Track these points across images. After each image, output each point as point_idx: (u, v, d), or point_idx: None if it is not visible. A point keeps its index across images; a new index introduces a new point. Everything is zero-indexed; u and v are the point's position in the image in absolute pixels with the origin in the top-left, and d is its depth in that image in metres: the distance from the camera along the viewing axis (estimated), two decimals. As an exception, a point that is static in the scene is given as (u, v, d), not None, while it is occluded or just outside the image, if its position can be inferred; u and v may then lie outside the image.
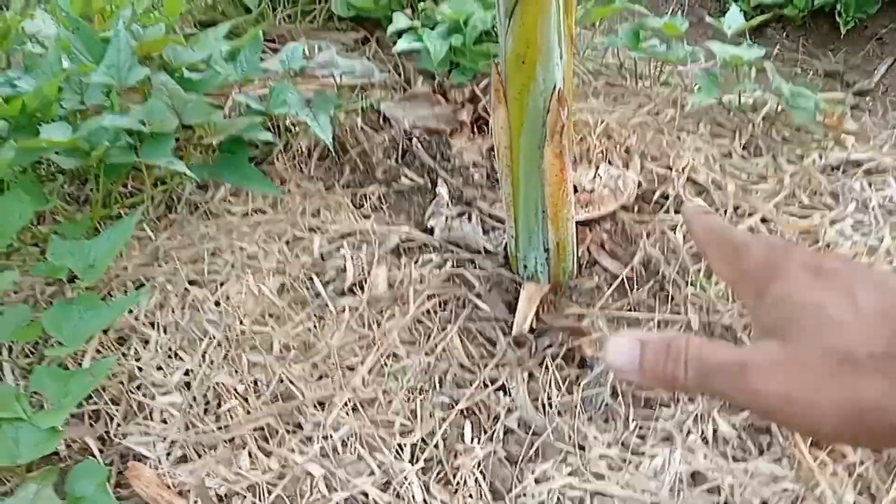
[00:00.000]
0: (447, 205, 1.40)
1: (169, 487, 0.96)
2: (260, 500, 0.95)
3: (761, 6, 2.18)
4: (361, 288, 1.21)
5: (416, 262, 1.27)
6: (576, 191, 1.40)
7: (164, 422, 1.04)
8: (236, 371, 1.09)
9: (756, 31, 2.20)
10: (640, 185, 1.39)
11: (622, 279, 1.23)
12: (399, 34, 1.62)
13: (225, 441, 1.01)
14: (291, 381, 1.07)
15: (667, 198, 1.36)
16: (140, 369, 1.09)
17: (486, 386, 1.08)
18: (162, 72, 1.33)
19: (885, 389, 0.31)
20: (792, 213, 1.31)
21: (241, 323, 1.14)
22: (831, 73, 2.05)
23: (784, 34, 2.21)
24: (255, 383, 1.07)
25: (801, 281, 0.36)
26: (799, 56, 2.13)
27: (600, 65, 1.73)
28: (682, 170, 1.39)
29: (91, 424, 1.04)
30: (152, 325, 1.15)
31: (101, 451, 1.01)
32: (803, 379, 0.33)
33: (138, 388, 1.07)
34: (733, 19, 1.61)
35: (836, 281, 0.35)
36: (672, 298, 1.19)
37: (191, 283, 1.20)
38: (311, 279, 1.22)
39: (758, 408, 0.35)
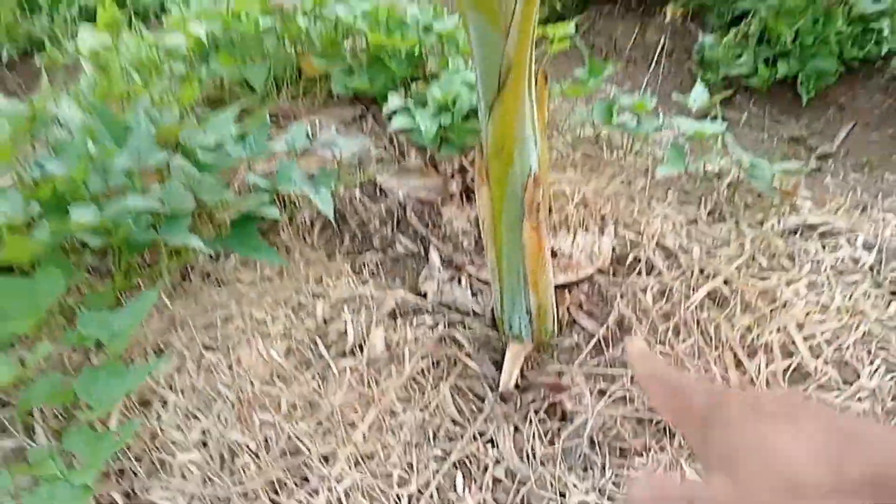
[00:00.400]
0: (439, 269, 1.53)
1: (188, 537, 1.06)
2: (271, 547, 1.04)
3: (728, 77, 2.35)
4: (361, 349, 1.32)
5: (410, 324, 1.38)
6: (555, 256, 1.53)
7: (184, 477, 1.14)
8: (248, 429, 1.19)
9: (725, 99, 2.36)
10: (614, 249, 1.52)
11: (598, 338, 1.34)
12: (393, 113, 1.77)
13: (239, 494, 1.11)
14: (298, 438, 1.18)
15: (639, 261, 1.48)
16: (161, 429, 1.19)
17: (475, 439, 1.19)
18: (178, 154, 1.47)
19: None
20: (752, 274, 1.44)
21: (252, 384, 1.25)
22: (795, 139, 2.21)
23: (751, 102, 2.37)
24: (266, 440, 1.18)
25: (744, 420, 0.37)
26: (765, 122, 2.29)
27: (578, 137, 1.87)
28: (653, 236, 1.52)
29: (117, 481, 1.14)
30: (171, 387, 1.25)
31: (126, 506, 1.11)
32: None
33: (159, 446, 1.17)
34: (698, 96, 1.76)
35: (778, 418, 0.36)
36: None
37: (205, 347, 1.31)
38: (314, 342, 1.34)
39: None
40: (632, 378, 1.24)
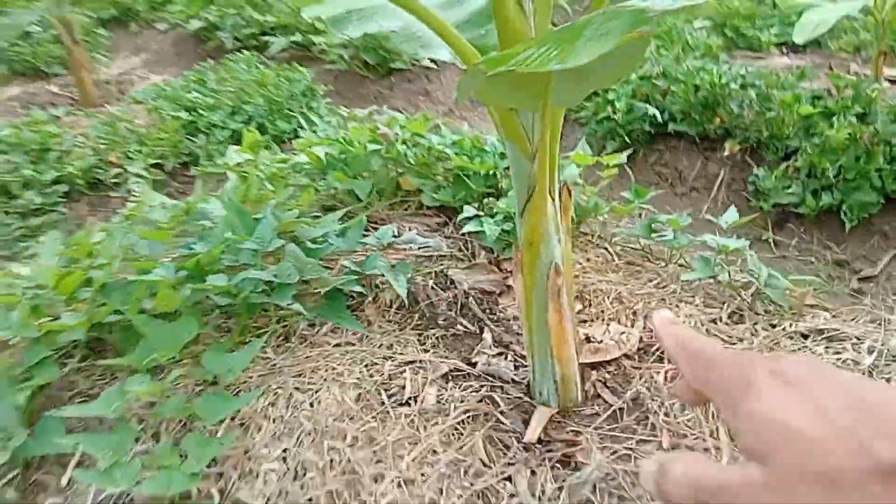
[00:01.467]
0: (490, 346, 1.81)
1: (264, 526, 1.36)
2: (325, 540, 1.32)
3: (779, 205, 2.58)
4: (415, 401, 1.62)
5: (458, 386, 1.67)
6: (589, 341, 1.79)
7: (265, 483, 1.45)
8: (318, 452, 1.49)
9: (777, 226, 2.58)
10: (641, 339, 1.77)
11: (615, 409, 1.58)
12: (467, 220, 2.13)
13: (305, 499, 1.40)
14: (357, 462, 1.47)
15: (661, 350, 1.72)
16: (253, 446, 1.51)
17: (496, 476, 1.44)
18: (292, 243, 1.87)
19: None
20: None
21: (326, 420, 1.56)
22: (839, 262, 2.38)
23: (801, 229, 2.58)
24: (331, 461, 1.47)
25: (771, 395, 0.37)
26: (813, 246, 2.48)
27: (624, 248, 2.16)
28: (675, 329, 1.75)
29: (216, 480, 1.46)
30: (265, 416, 1.59)
31: (219, 500, 1.42)
32: (788, 501, 0.35)
33: (250, 458, 1.49)
34: (729, 217, 2.01)
35: (803, 391, 0.36)
36: (652, 426, 1.53)
37: (295, 389, 1.65)
38: (379, 392, 1.64)
39: None
40: (633, 431, 1.46)
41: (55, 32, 4.82)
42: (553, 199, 1.44)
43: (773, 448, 0.36)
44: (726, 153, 2.83)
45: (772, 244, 2.52)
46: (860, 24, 4.07)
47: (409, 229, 2.26)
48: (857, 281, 2.27)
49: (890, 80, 3.79)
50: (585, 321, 1.86)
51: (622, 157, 2.23)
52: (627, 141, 3.09)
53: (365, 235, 2.04)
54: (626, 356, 1.73)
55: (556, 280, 1.46)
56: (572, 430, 1.54)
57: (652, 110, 2.84)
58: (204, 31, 5.29)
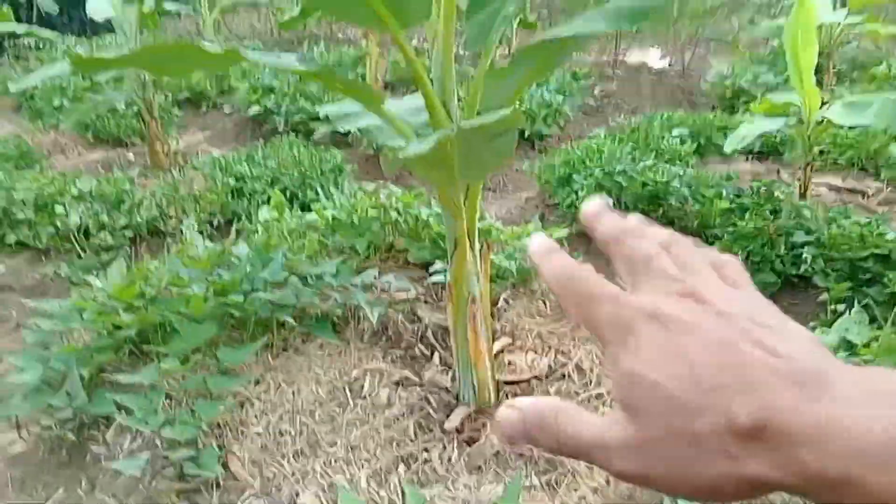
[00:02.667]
0: (436, 365, 2.30)
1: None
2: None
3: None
4: (370, 397, 2.11)
5: (405, 390, 2.15)
6: (511, 364, 2.27)
7: (251, 441, 1.94)
8: (293, 424, 1.98)
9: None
10: (549, 366, 2.24)
11: (517, 411, 2.04)
12: (435, 272, 2.65)
13: (279, 454, 1.89)
14: (319, 433, 1.95)
15: (563, 374, 2.18)
16: (246, 417, 2.02)
17: (419, 448, 1.91)
18: (295, 277, 2.41)
19: (726, 468, 0.33)
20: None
21: (302, 404, 2.06)
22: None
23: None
24: (301, 431, 1.96)
25: (646, 348, 0.35)
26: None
27: (553, 299, 2.64)
28: (576, 361, 2.22)
29: (216, 437, 1.96)
30: (258, 398, 2.09)
31: (217, 449, 1.92)
32: (655, 460, 0.35)
33: (243, 424, 1.99)
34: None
35: (678, 345, 0.35)
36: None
37: (283, 382, 2.15)
38: (345, 389, 2.14)
39: (624, 480, 0.37)
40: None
41: (136, 109, 5.64)
42: (473, 249, 1.97)
43: (643, 406, 0.35)
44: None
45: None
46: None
47: (395, 277, 2.80)
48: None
49: (829, 187, 4.27)
50: (512, 351, 2.35)
51: (563, 231, 2.75)
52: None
53: (353, 277, 2.57)
54: (536, 377, 2.20)
55: (473, 308, 1.97)
56: (482, 423, 2.01)
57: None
58: (261, 115, 6.04)
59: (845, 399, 0.32)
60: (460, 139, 1.44)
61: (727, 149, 3.12)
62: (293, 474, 1.81)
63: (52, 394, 2.16)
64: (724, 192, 3.05)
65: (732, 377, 0.34)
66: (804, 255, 2.76)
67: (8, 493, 2.21)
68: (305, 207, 3.70)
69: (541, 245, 0.43)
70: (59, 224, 3.69)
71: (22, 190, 3.92)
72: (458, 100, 1.82)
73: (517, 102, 1.74)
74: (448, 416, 2.04)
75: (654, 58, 8.22)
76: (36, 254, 3.77)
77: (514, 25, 8.35)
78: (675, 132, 4.65)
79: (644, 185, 3.32)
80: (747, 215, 2.88)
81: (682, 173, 3.35)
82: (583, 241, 3.70)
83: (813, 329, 2.46)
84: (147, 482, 1.85)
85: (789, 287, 2.90)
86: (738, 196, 3.09)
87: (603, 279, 0.39)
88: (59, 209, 3.73)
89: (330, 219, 2.95)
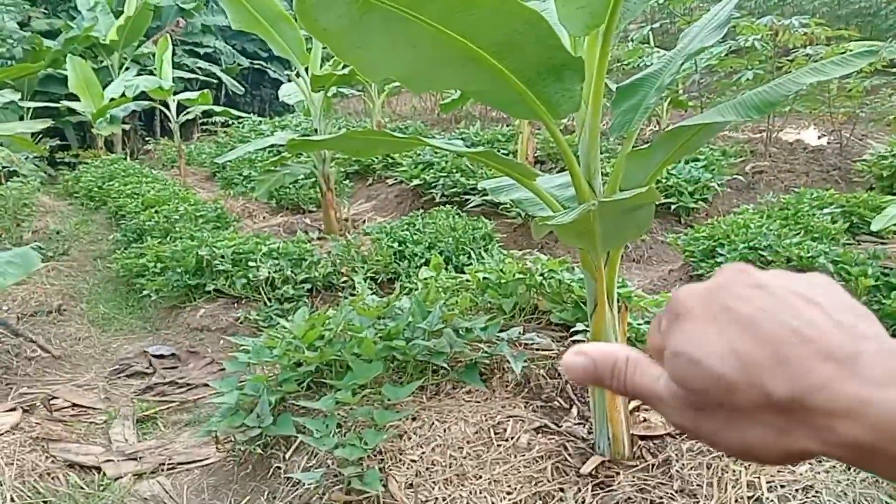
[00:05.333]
0: (574, 417, 2.46)
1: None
2: (437, 501, 2.03)
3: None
4: (513, 440, 2.30)
5: (544, 437, 2.33)
6: (645, 421, 2.38)
7: (408, 468, 2.19)
8: (444, 456, 2.22)
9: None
10: (683, 426, 2.32)
11: (649, 464, 2.15)
12: (576, 332, 2.83)
13: (431, 480, 2.12)
14: (466, 466, 2.17)
15: (696, 435, 2.26)
16: (403, 447, 2.28)
17: (555, 488, 2.07)
18: (449, 328, 2.69)
19: (771, 438, 0.37)
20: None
21: (452, 440, 2.29)
22: None
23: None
24: (450, 464, 2.19)
25: (692, 328, 0.39)
26: None
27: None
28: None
29: (378, 461, 2.23)
30: (414, 432, 2.34)
31: (378, 471, 2.18)
32: (704, 422, 0.39)
33: (401, 452, 2.25)
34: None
35: (722, 327, 0.38)
36: (670, 476, 2.09)
37: (436, 420, 2.40)
38: (489, 431, 2.34)
39: (679, 430, 0.42)
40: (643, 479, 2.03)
41: (314, 180, 6.32)
42: (611, 310, 2.15)
43: (689, 377, 0.38)
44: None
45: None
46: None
47: (538, 335, 3.00)
48: None
49: None
50: (648, 409, 2.46)
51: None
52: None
53: (499, 332, 2.81)
54: (670, 435, 2.30)
55: (610, 364, 2.13)
56: (615, 472, 2.14)
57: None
58: (421, 187, 6.55)
59: (874, 380, 0.35)
60: (601, 212, 1.67)
61: (874, 227, 3.08)
62: (444, 499, 2.04)
63: (245, 415, 2.55)
64: (870, 270, 3.01)
65: (769, 353, 0.36)
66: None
67: (203, 497, 2.60)
68: (459, 270, 4.02)
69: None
70: (250, 276, 4.25)
71: (221, 247, 4.56)
72: (605, 174, 2.05)
73: (655, 180, 1.93)
74: (584, 463, 2.19)
75: (811, 136, 7.99)
76: (230, 301, 4.35)
77: (666, 104, 8.50)
78: (826, 210, 4.55)
79: (789, 260, 3.33)
80: (893, 293, 2.82)
81: (827, 250, 3.33)
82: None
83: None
84: (320, 494, 2.14)
85: None
86: (885, 274, 3.03)
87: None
88: (251, 264, 4.30)
89: (481, 279, 3.22)
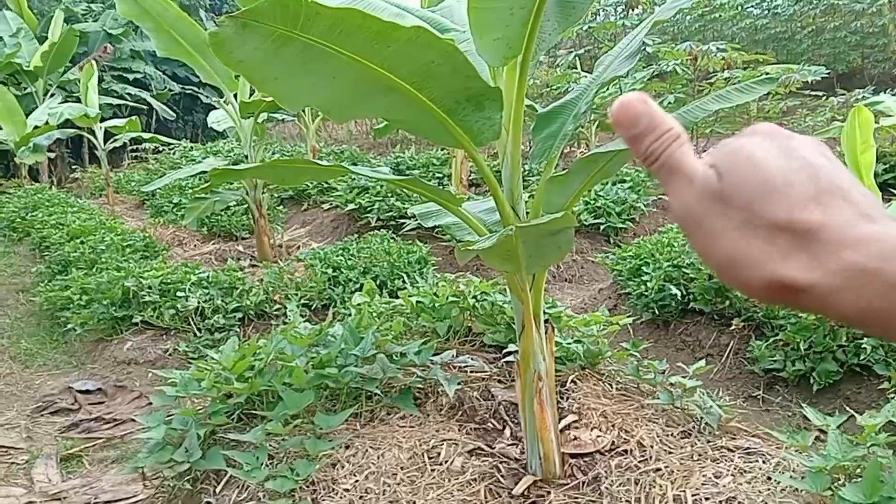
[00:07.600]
0: (507, 438, 2.48)
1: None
2: (370, 530, 2.00)
3: (768, 370, 3.11)
4: (446, 464, 2.30)
5: (478, 459, 2.33)
6: (576, 439, 2.41)
7: (341, 497, 2.16)
8: (377, 484, 2.20)
9: (767, 386, 3.10)
10: (612, 443, 2.37)
11: (579, 482, 2.18)
12: (508, 353, 2.86)
13: (371, 493, 2.10)
14: (400, 492, 2.15)
15: (625, 450, 2.31)
16: (336, 476, 2.24)
17: (487, 509, 2.07)
18: (382, 354, 2.68)
19: (766, 258, 0.40)
20: (686, 468, 2.20)
21: (385, 467, 2.27)
22: (807, 417, 2.85)
23: (785, 389, 3.07)
24: (384, 491, 2.17)
25: (751, 139, 0.44)
26: (791, 404, 2.97)
27: (620, 382, 2.78)
28: (638, 438, 2.35)
29: (311, 492, 2.19)
30: (347, 460, 2.31)
31: (310, 501, 2.14)
32: (717, 216, 0.41)
33: (334, 482, 2.22)
34: (696, 369, 2.62)
35: (780, 145, 0.43)
36: (601, 493, 2.12)
37: (370, 447, 2.37)
38: (423, 456, 2.34)
39: (682, 216, 0.44)
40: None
41: (246, 207, 6.23)
42: (539, 331, 2.18)
43: (740, 168, 0.41)
44: (734, 328, 3.41)
45: (760, 401, 3.04)
46: None
47: (471, 357, 3.02)
48: (818, 431, 2.73)
49: None
50: (577, 427, 2.50)
51: (626, 319, 2.92)
52: (657, 313, 3.74)
53: (434, 356, 2.81)
54: (599, 452, 2.34)
55: (539, 384, 2.16)
56: (546, 491, 2.16)
57: (675, 291, 3.51)
58: (356, 211, 6.53)
59: (889, 227, 0.39)
60: (522, 236, 1.70)
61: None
62: (376, 527, 2.01)
63: (173, 450, 2.46)
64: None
65: (806, 179, 0.40)
66: (864, 345, 2.81)
67: (131, 538, 2.50)
68: (393, 294, 4.01)
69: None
70: (179, 307, 4.14)
71: (148, 277, 4.43)
72: (530, 197, 2.09)
73: (574, 205, 1.99)
74: (516, 483, 2.21)
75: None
76: (159, 332, 4.22)
77: (594, 127, 8.73)
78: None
79: (710, 277, 3.46)
80: (808, 307, 2.96)
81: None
82: (650, 329, 3.83)
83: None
84: (251, 529, 2.08)
85: (851, 376, 2.93)
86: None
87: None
88: (180, 294, 4.19)
89: (414, 304, 3.22)
